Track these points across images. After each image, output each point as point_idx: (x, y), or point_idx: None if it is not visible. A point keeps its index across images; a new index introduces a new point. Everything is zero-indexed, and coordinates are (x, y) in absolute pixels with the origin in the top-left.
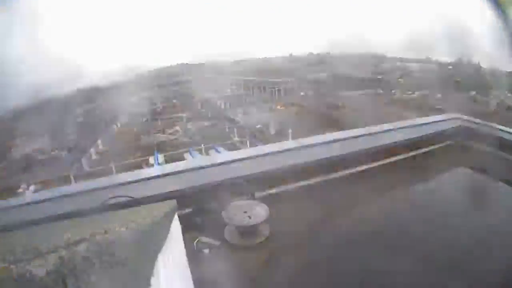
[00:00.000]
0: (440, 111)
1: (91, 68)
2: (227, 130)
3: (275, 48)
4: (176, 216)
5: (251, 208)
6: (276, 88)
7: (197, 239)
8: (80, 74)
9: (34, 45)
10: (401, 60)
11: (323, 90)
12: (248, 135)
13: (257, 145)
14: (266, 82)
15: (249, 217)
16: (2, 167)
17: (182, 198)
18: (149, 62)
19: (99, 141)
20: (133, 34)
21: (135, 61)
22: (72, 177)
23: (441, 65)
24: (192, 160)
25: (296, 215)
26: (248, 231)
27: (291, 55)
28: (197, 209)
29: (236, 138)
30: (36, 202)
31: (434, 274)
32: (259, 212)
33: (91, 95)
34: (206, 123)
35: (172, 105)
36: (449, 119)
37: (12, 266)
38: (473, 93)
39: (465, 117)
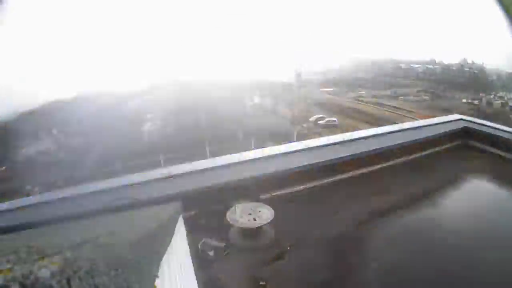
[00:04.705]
0: (444, 112)
1: None
2: None
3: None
4: (181, 218)
5: (256, 210)
6: None
7: (202, 241)
8: None
9: None
10: (408, 62)
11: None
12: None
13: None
14: None
15: (254, 219)
16: (6, 168)
17: (187, 199)
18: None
19: None
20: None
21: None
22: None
23: (445, 66)
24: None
25: (302, 217)
26: (252, 233)
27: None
28: (202, 211)
29: None
30: (41, 204)
31: None
32: (264, 214)
33: None
34: None
35: None
36: (452, 121)
37: (16, 267)
38: (478, 94)
39: (468, 118)
